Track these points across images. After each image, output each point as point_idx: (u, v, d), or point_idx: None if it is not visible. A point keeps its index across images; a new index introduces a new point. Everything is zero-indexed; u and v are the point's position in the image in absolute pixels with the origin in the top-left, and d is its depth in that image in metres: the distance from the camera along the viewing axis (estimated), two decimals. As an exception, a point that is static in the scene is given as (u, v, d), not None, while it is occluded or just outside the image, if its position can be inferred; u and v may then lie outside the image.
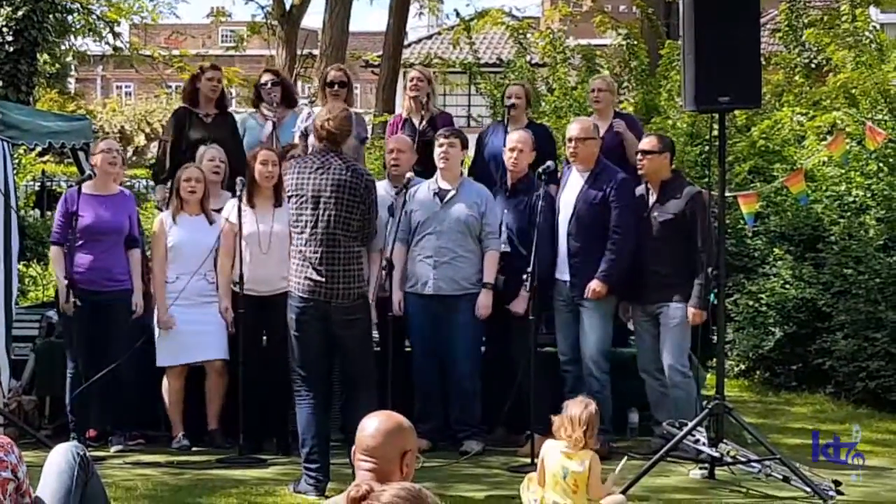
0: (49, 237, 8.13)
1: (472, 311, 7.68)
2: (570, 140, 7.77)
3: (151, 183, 9.88)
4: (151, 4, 26.50)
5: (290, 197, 6.80)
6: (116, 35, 24.70)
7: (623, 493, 6.19)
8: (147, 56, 25.96)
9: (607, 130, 8.31)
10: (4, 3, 16.79)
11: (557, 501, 5.64)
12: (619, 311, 7.87)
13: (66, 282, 7.51)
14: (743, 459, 6.88)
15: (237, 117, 9.05)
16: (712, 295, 7.31)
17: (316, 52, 20.78)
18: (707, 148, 10.62)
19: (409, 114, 8.66)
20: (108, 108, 36.25)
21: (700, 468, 7.06)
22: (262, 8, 24.22)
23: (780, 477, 6.72)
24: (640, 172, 7.71)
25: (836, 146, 8.88)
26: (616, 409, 7.79)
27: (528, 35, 15.91)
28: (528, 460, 7.01)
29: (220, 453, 7.53)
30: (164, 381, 7.83)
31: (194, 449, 7.71)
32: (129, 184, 16.64)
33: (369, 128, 11.81)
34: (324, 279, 6.59)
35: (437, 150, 7.81)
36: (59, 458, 4.55)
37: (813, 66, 13.64)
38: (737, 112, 11.10)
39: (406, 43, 24.43)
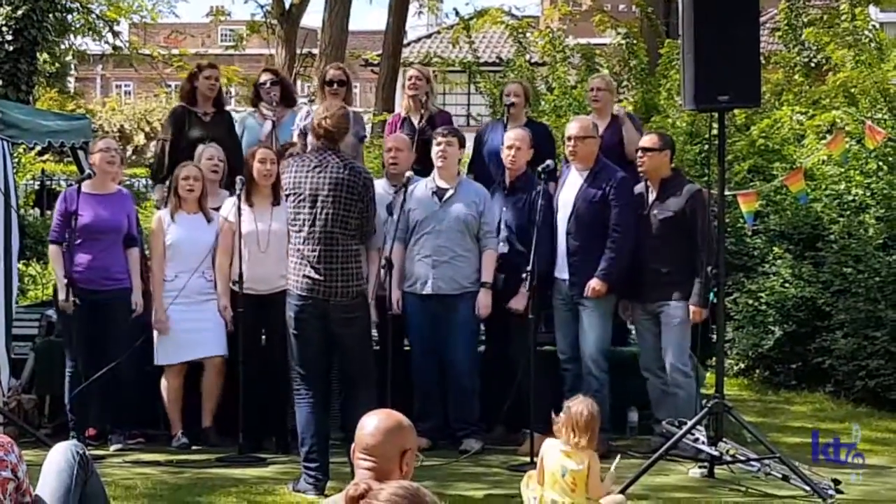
0: (48, 236, 8.12)
1: (471, 310, 7.68)
2: (569, 139, 7.77)
3: (151, 182, 9.85)
4: (151, 4, 26.59)
5: (287, 195, 6.79)
6: (116, 34, 24.75)
7: (622, 491, 6.19)
8: (146, 55, 25.99)
9: (606, 129, 8.31)
10: (4, 2, 16.80)
11: (556, 500, 5.63)
12: (619, 309, 7.87)
13: (65, 281, 7.51)
14: (742, 458, 6.88)
15: (237, 116, 9.05)
16: (712, 294, 7.30)
17: (315, 51, 20.79)
18: (706, 147, 10.61)
19: (408, 113, 8.67)
20: (107, 108, 36.27)
21: (699, 467, 7.06)
22: (262, 7, 24.25)
23: (780, 476, 6.71)
24: (640, 170, 7.71)
25: (835, 145, 8.87)
26: (615, 407, 7.79)
27: (528, 34, 15.91)
28: (528, 459, 7.00)
29: (220, 452, 7.52)
30: (163, 380, 7.83)
31: (194, 448, 7.70)
32: (128, 183, 16.65)
33: (368, 127, 11.82)
34: (322, 277, 6.58)
35: (435, 149, 7.81)
36: (59, 457, 4.54)
37: (812, 65, 13.64)
38: (736, 111, 11.09)
39: (405, 42, 24.46)
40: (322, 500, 6.31)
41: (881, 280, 9.69)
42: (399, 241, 7.60)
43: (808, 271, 10.21)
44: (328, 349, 6.75)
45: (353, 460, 3.66)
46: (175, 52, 26.96)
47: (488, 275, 7.69)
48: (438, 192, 7.78)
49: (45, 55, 20.39)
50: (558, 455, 5.70)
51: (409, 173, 7.72)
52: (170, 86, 32.12)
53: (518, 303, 7.59)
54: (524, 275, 7.30)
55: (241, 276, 7.47)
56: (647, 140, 7.76)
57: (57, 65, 27.23)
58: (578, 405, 5.73)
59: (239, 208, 7.55)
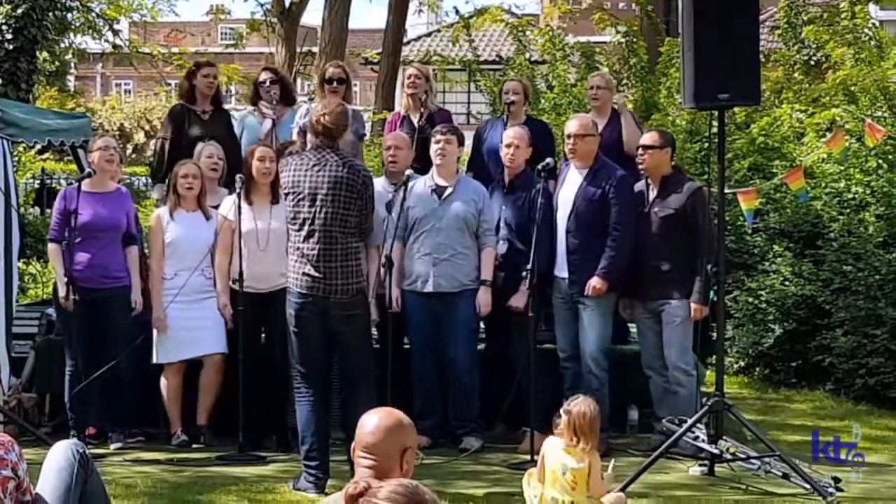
0: (48, 235, 8.12)
1: (470, 307, 7.68)
2: (568, 137, 7.76)
3: (151, 180, 9.85)
4: (151, 2, 26.58)
5: (287, 194, 6.79)
6: (116, 33, 24.75)
7: (623, 489, 6.19)
8: (146, 54, 25.99)
9: (606, 127, 8.31)
10: (4, 0, 16.79)
11: (556, 498, 5.63)
12: (620, 307, 7.86)
13: (65, 279, 7.52)
14: (742, 456, 6.88)
15: (236, 115, 9.04)
16: (712, 292, 7.30)
17: (315, 49, 20.77)
18: (706, 145, 10.62)
19: (408, 111, 8.67)
20: (107, 106, 36.30)
21: (700, 465, 7.07)
22: (262, 5, 24.21)
23: (780, 474, 6.71)
24: (640, 168, 7.70)
25: (835, 143, 8.88)
26: (616, 406, 7.79)
27: (528, 32, 15.90)
28: (528, 457, 7.00)
29: (220, 450, 7.52)
30: (162, 379, 7.83)
31: (194, 446, 7.70)
32: (128, 181, 16.68)
33: (368, 125, 11.81)
34: (322, 275, 6.58)
35: (434, 147, 7.80)
36: (59, 456, 4.55)
37: (812, 63, 13.65)
38: (736, 109, 11.08)
39: (405, 40, 24.44)
40: (322, 499, 6.31)
41: (881, 278, 9.69)
42: (398, 239, 7.59)
43: (808, 269, 10.21)
44: (328, 347, 6.75)
45: (354, 458, 3.66)
46: (175, 50, 26.96)
47: (488, 273, 7.69)
48: (438, 190, 7.78)
49: (45, 54, 20.39)
50: (559, 453, 5.69)
51: (408, 171, 7.72)
52: (170, 84, 32.11)
53: (518, 301, 7.59)
54: (524, 273, 7.30)
55: (240, 274, 7.47)
56: (648, 138, 7.76)
57: (57, 63, 27.24)
58: (579, 406, 5.72)
59: (238, 206, 7.55)
